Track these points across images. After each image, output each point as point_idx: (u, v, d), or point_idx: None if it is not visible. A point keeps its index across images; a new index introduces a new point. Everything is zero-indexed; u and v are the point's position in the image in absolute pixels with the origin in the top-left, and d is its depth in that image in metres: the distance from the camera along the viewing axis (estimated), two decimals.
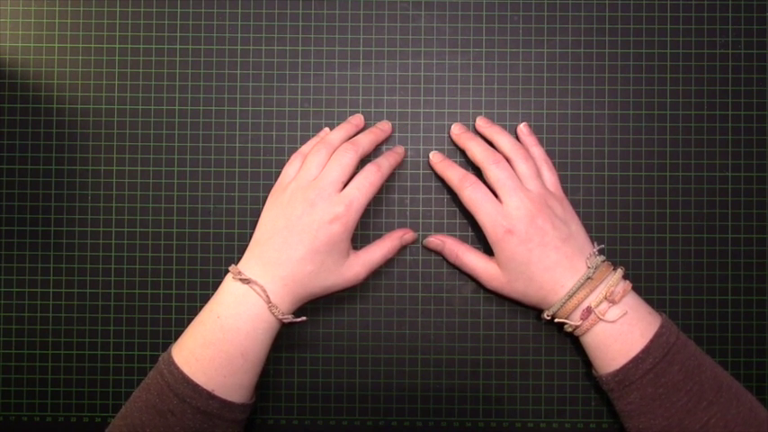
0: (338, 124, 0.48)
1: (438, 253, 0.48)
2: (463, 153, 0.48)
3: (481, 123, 0.48)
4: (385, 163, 0.45)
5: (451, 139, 0.48)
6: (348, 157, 0.44)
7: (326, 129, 0.48)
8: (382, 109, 0.49)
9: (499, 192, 0.44)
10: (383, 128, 0.48)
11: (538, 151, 0.47)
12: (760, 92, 0.49)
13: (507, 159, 0.45)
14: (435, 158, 0.48)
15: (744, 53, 0.49)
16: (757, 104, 0.49)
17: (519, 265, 0.43)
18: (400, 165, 0.48)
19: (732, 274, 0.48)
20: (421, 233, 0.49)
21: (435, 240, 0.48)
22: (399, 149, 0.48)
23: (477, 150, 0.46)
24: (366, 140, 0.45)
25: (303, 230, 0.42)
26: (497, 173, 0.44)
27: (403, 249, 0.49)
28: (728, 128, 0.49)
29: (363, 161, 0.46)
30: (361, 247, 0.46)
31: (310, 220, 0.42)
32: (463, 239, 0.49)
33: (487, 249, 0.47)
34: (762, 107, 0.49)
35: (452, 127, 0.48)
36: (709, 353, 0.44)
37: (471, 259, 0.46)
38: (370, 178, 0.44)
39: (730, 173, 0.49)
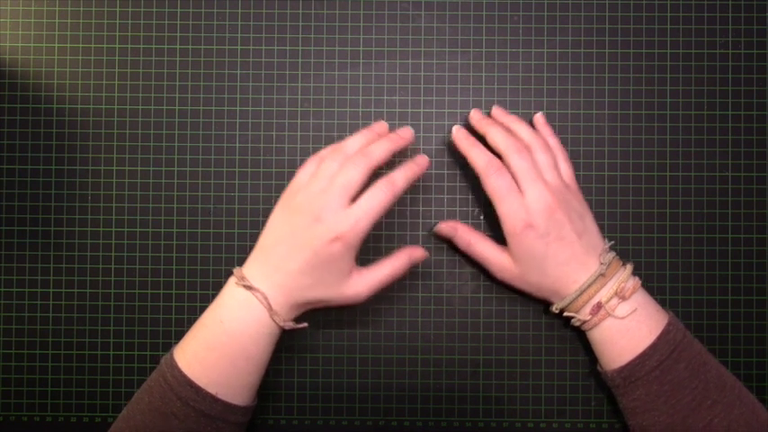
0: (338, 125, 0.48)
1: (448, 240, 0.47)
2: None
3: (497, 112, 0.47)
4: (400, 178, 0.42)
5: (452, 143, 0.47)
6: (357, 171, 0.41)
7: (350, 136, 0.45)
8: (382, 109, 0.49)
9: (521, 181, 0.43)
10: (403, 135, 0.44)
11: (554, 141, 0.46)
12: (760, 92, 0.49)
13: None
14: (459, 134, 0.46)
15: (744, 53, 0.49)
16: (757, 104, 0.49)
17: (534, 259, 0.43)
18: (420, 178, 0.44)
19: (732, 274, 0.48)
20: (421, 233, 0.49)
21: (446, 227, 0.47)
22: (422, 160, 0.44)
23: (499, 137, 0.44)
24: (380, 150, 0.42)
25: (305, 244, 0.41)
26: (520, 163, 0.43)
27: (413, 268, 0.46)
28: (728, 128, 0.49)
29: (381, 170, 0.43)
30: (361, 249, 0.45)
31: (312, 236, 0.40)
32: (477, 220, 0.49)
33: (497, 239, 0.47)
34: (762, 107, 0.49)
35: (471, 113, 0.47)
36: (709, 352, 0.44)
37: (484, 248, 0.45)
38: (380, 197, 0.41)
39: (730, 173, 0.49)
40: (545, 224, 0.42)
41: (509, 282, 0.45)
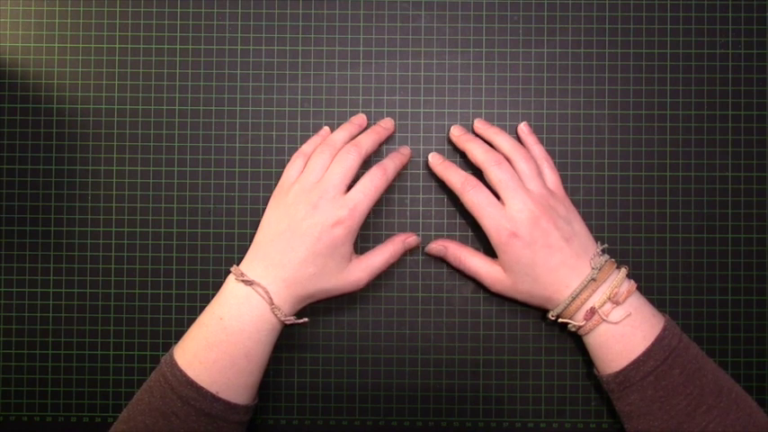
0: (339, 124, 0.48)
1: (441, 258, 0.48)
2: (463, 155, 0.48)
3: (479, 125, 0.48)
4: (390, 165, 0.45)
5: (451, 142, 0.48)
6: (351, 159, 0.44)
7: (326, 128, 0.48)
8: (382, 109, 0.49)
9: (501, 193, 0.44)
10: (386, 126, 0.47)
11: (538, 150, 0.47)
12: (760, 92, 0.49)
13: (507, 159, 0.45)
14: (435, 160, 0.47)
15: (744, 53, 0.49)
16: (757, 104, 0.49)
17: (524, 267, 0.43)
18: (406, 166, 0.48)
19: (732, 274, 0.48)
20: (421, 233, 0.49)
21: (437, 246, 0.47)
22: (405, 150, 0.47)
23: (477, 152, 0.45)
24: (369, 140, 0.45)
25: (306, 233, 0.42)
26: (499, 174, 0.44)
27: (406, 254, 0.48)
28: (728, 128, 0.49)
29: (368, 161, 0.46)
30: (361, 249, 0.45)
31: (313, 223, 0.42)
32: (463, 239, 0.49)
33: (488, 249, 0.47)
34: (762, 107, 0.49)
35: (452, 129, 0.48)
36: (709, 353, 0.44)
37: (475, 263, 0.46)
38: (375, 182, 0.43)
39: (730, 173, 0.49)
40: (530, 232, 0.42)
41: (503, 293, 0.46)
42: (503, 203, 0.44)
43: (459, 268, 0.47)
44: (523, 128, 0.48)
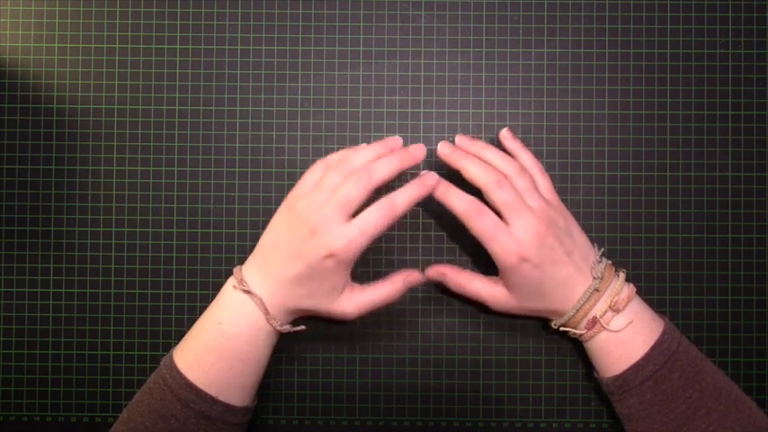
0: (338, 124, 0.48)
1: (439, 284, 0.46)
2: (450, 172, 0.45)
3: (462, 141, 0.46)
4: (402, 201, 0.41)
5: (440, 160, 0.45)
6: (357, 188, 0.40)
7: (364, 145, 0.44)
8: (382, 109, 0.49)
9: (505, 214, 0.42)
10: (414, 154, 0.43)
11: (526, 156, 0.45)
12: (760, 92, 0.49)
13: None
14: (431, 180, 0.43)
15: (744, 53, 0.49)
16: (757, 104, 0.49)
17: (531, 287, 0.42)
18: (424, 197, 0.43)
19: (732, 274, 0.48)
20: (421, 232, 0.49)
21: (435, 272, 0.45)
22: (430, 179, 0.42)
23: (476, 171, 0.43)
24: (386, 168, 0.41)
25: (299, 255, 0.40)
26: (503, 195, 0.42)
27: (407, 292, 0.45)
28: (728, 128, 0.49)
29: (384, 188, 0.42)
30: (362, 261, 0.43)
31: (307, 249, 0.40)
32: (464, 243, 0.48)
33: (482, 259, 0.47)
34: (762, 107, 0.49)
35: (439, 146, 0.45)
36: (708, 353, 0.44)
37: (477, 287, 0.45)
38: (378, 219, 0.40)
39: (730, 173, 0.49)
40: (537, 253, 0.41)
41: (507, 311, 0.45)
42: (506, 223, 0.42)
43: (460, 293, 0.46)
44: (505, 134, 0.46)
